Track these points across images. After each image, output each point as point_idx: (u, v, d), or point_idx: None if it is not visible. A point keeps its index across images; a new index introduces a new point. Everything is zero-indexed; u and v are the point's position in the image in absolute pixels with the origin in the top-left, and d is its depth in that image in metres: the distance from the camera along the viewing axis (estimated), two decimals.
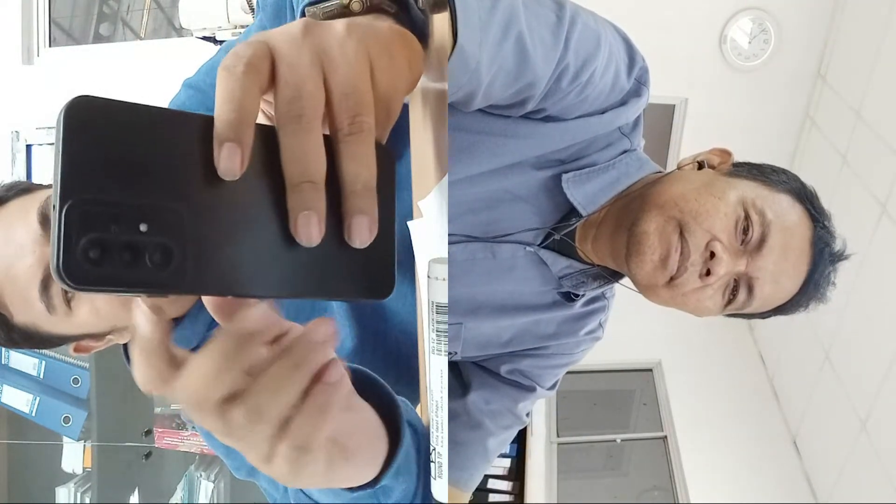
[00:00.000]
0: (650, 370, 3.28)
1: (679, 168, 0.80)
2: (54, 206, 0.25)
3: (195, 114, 0.29)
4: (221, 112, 0.28)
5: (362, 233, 0.31)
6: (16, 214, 0.66)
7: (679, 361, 3.16)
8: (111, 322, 0.69)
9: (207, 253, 0.28)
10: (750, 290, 0.72)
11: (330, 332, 0.32)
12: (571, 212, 0.77)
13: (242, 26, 1.91)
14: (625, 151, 0.78)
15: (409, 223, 0.49)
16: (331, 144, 0.31)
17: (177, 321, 0.74)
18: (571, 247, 0.79)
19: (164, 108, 0.28)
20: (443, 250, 0.38)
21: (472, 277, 0.79)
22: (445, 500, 0.37)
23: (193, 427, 0.80)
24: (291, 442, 0.32)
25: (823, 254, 0.72)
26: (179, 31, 2.51)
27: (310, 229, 0.29)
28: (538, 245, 0.79)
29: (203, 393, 0.30)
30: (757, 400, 3.00)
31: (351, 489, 0.42)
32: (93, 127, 0.26)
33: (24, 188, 0.70)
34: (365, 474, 0.42)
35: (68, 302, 0.65)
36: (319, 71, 0.30)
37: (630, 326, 2.05)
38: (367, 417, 0.42)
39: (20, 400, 1.91)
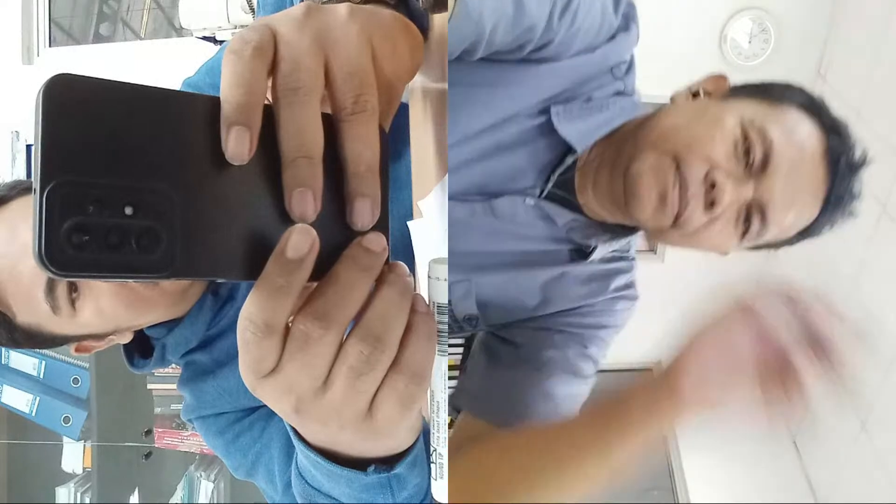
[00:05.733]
0: (650, 370, 3.27)
1: (672, 101, 0.77)
2: (35, 189, 0.24)
3: (181, 92, 0.28)
4: (230, 95, 0.27)
5: (365, 216, 0.30)
6: (19, 213, 0.66)
7: None
8: (115, 323, 0.68)
9: (197, 235, 0.27)
10: (763, 216, 0.67)
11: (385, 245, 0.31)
12: (567, 152, 0.74)
13: (242, 26, 1.91)
14: (618, 93, 0.75)
15: (409, 223, 0.49)
16: (332, 125, 0.30)
17: (177, 321, 0.74)
18: (574, 204, 0.77)
19: (148, 86, 0.27)
20: (443, 250, 0.38)
21: (474, 236, 0.76)
22: (445, 500, 0.37)
23: (193, 427, 0.80)
24: (408, 371, 0.31)
25: (840, 165, 0.68)
26: (179, 31, 2.51)
27: (305, 206, 0.28)
28: (538, 197, 0.75)
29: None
30: None
31: (365, 472, 0.41)
32: (74, 105, 0.25)
33: (26, 187, 0.70)
34: (402, 441, 0.40)
35: (73, 303, 0.65)
36: (319, 48, 0.30)
37: (629, 326, 2.05)
38: None
39: (20, 400, 1.90)
